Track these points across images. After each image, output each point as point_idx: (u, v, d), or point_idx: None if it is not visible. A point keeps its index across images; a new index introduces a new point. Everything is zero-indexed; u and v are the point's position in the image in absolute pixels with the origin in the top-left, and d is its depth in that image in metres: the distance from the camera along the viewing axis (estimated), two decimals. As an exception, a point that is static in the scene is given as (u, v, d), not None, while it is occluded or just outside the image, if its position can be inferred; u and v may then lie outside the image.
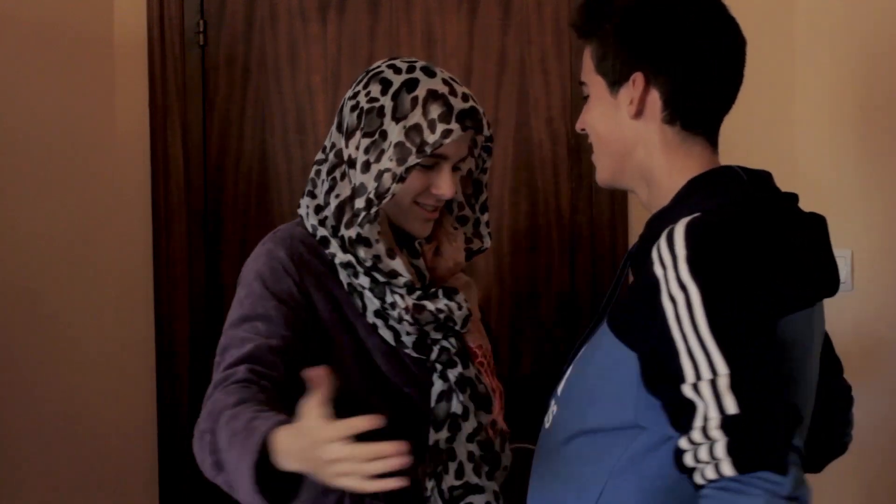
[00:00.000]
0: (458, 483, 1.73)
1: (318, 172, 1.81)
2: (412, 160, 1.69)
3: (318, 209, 1.78)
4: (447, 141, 1.70)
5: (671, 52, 1.51)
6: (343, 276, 1.76)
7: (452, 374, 1.76)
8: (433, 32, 2.69)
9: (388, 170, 1.69)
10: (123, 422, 2.71)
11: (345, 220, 1.73)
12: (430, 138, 1.69)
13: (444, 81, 1.74)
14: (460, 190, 1.88)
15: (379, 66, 1.78)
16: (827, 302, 2.36)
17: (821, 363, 1.62)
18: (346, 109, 1.77)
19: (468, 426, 1.75)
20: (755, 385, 1.31)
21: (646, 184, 1.56)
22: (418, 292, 1.76)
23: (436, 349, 1.77)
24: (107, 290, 2.69)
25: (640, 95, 1.51)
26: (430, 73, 1.75)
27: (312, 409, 1.35)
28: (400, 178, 1.69)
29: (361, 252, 1.72)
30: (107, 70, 2.70)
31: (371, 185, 1.70)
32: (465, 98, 1.74)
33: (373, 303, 1.75)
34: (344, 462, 1.31)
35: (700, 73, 1.51)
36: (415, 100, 1.71)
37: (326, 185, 1.77)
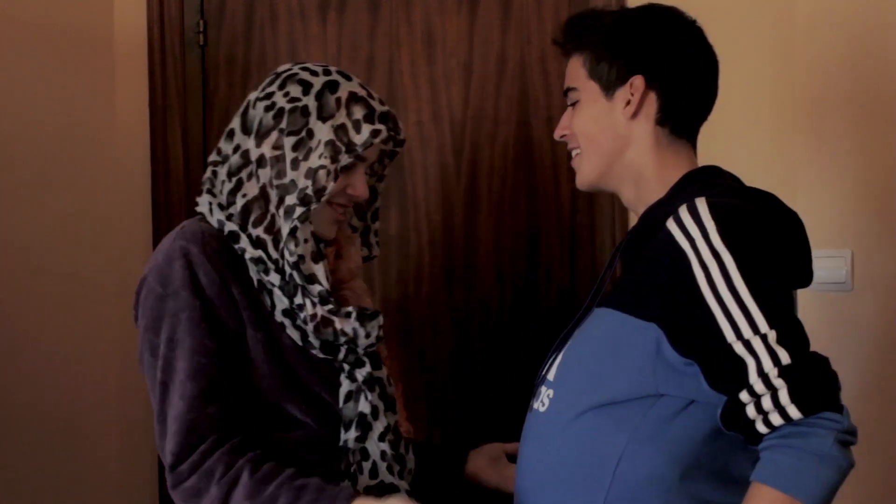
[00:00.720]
0: (373, 483, 1.75)
1: (215, 173, 1.82)
2: (345, 159, 1.74)
3: (221, 207, 1.78)
4: (377, 140, 1.75)
5: (667, 59, 1.65)
6: (253, 272, 1.75)
7: (360, 374, 1.77)
8: (433, 32, 2.69)
9: (322, 167, 1.72)
10: (123, 421, 2.70)
11: (252, 218, 1.74)
12: (358, 138, 1.74)
13: (361, 85, 1.81)
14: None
15: (290, 69, 1.82)
16: (827, 302, 2.37)
17: None
18: (258, 110, 1.78)
19: (378, 425, 1.77)
20: (797, 339, 1.44)
21: (633, 183, 1.67)
22: (330, 305, 1.75)
23: (343, 349, 1.78)
24: (107, 290, 2.69)
25: (640, 96, 1.64)
26: (346, 76, 1.81)
27: None
28: (335, 176, 1.73)
29: (291, 246, 1.73)
30: (107, 70, 2.70)
31: (303, 182, 1.72)
32: (381, 102, 1.81)
33: (281, 301, 1.75)
34: None
35: (691, 81, 1.66)
36: (338, 100, 1.76)
37: (230, 186, 1.78)
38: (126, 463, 2.72)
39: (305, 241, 1.74)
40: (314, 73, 1.79)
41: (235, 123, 1.82)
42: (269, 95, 1.78)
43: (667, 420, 1.51)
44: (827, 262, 2.40)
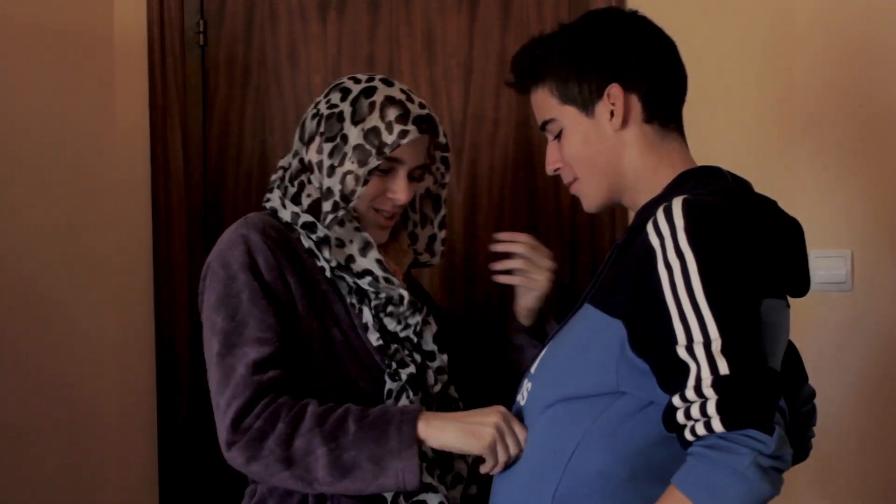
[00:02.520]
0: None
1: (282, 178, 1.88)
2: (373, 162, 1.75)
3: (294, 202, 1.83)
4: (404, 141, 1.76)
5: (633, 56, 1.63)
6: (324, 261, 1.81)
7: (404, 374, 1.79)
8: (433, 32, 2.69)
9: (350, 172, 1.76)
10: (123, 421, 2.71)
11: (320, 218, 1.79)
12: (388, 139, 1.75)
13: (402, 90, 1.83)
14: (417, 198, 1.96)
15: (341, 80, 1.87)
16: (827, 302, 2.36)
17: (790, 369, 1.71)
18: (308, 117, 1.86)
19: None
20: (745, 351, 1.38)
21: (633, 186, 1.65)
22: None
23: (393, 347, 1.81)
24: (107, 290, 2.69)
25: (623, 103, 1.61)
26: (388, 83, 1.83)
27: None
28: (364, 181, 1.75)
29: (326, 253, 1.77)
30: (107, 70, 2.70)
31: (336, 188, 1.77)
32: (421, 106, 1.82)
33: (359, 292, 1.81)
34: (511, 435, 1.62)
35: (660, 69, 1.64)
36: (372, 104, 1.79)
37: (293, 190, 1.84)
38: (126, 462, 2.72)
39: (350, 241, 1.79)
40: (357, 81, 1.84)
41: (297, 133, 1.90)
42: (317, 104, 1.86)
43: (623, 419, 1.50)
44: (827, 262, 2.40)
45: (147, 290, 2.72)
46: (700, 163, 1.69)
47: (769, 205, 1.59)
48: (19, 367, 2.53)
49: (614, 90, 1.61)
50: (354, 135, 1.77)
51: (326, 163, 1.79)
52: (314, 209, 1.81)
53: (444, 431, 1.66)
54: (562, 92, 1.65)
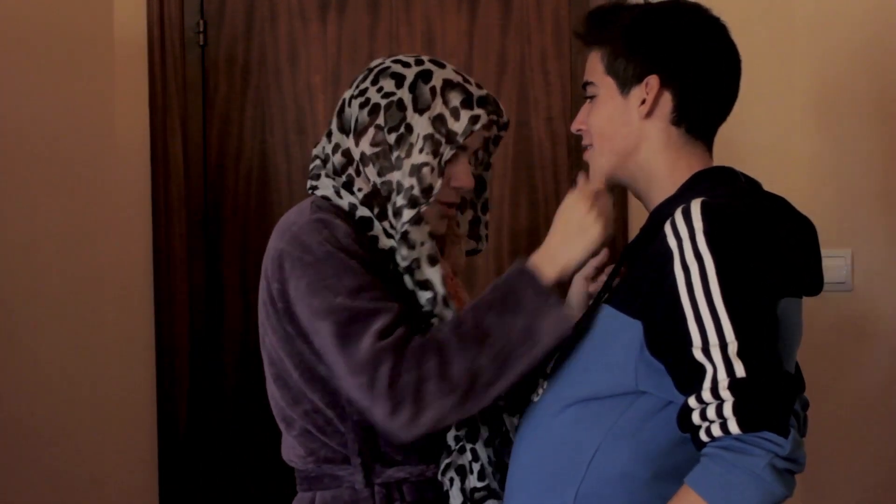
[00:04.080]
0: (480, 485, 1.71)
1: (323, 165, 1.75)
2: (448, 152, 1.66)
3: (349, 191, 1.70)
4: (477, 127, 1.68)
5: (685, 58, 1.61)
6: (396, 257, 1.68)
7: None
8: (433, 32, 2.69)
9: (425, 164, 1.64)
10: (123, 421, 2.70)
11: (375, 212, 1.68)
12: (458, 126, 1.67)
13: (456, 71, 1.73)
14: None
15: (383, 63, 1.73)
16: (827, 302, 2.36)
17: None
18: (354, 107, 1.71)
19: (484, 431, 1.72)
20: (761, 354, 1.39)
21: (645, 180, 1.64)
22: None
23: None
24: (107, 290, 2.69)
25: (654, 96, 1.60)
26: (439, 64, 1.73)
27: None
28: (440, 172, 1.65)
29: (404, 251, 1.66)
30: (107, 70, 2.70)
31: (409, 182, 1.65)
32: (479, 86, 1.73)
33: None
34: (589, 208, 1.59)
35: (709, 81, 1.62)
36: (433, 90, 1.68)
37: (343, 180, 1.72)
38: (126, 462, 2.72)
39: (422, 243, 1.67)
40: (406, 65, 1.71)
41: (333, 124, 1.75)
42: (363, 92, 1.70)
43: (644, 418, 1.50)
44: (827, 262, 2.37)
45: (147, 289, 2.72)
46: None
47: (783, 204, 1.59)
48: (19, 366, 2.54)
49: (652, 80, 1.60)
50: (422, 124, 1.66)
51: (393, 154, 1.66)
52: (367, 204, 1.68)
53: (563, 256, 1.61)
54: (609, 63, 1.64)
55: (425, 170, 1.64)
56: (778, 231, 1.52)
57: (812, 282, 1.60)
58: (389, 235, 1.68)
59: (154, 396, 2.72)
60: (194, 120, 2.73)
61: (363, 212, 1.69)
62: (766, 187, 1.64)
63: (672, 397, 1.47)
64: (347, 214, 1.69)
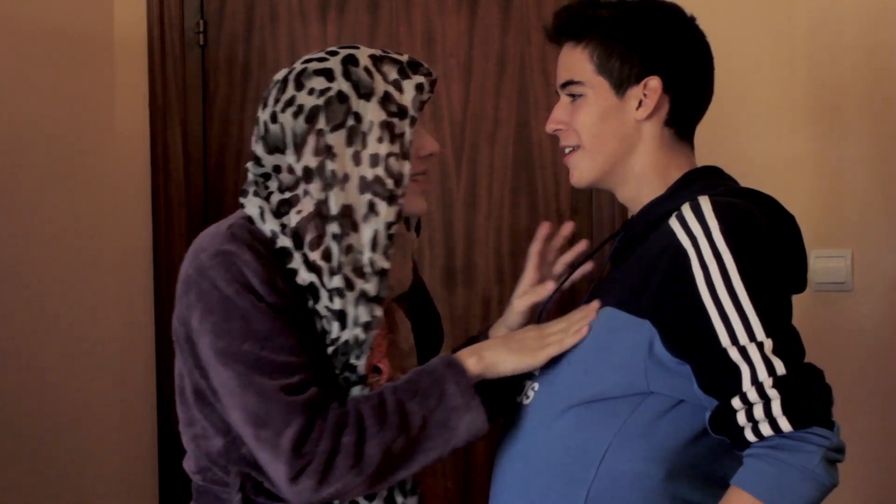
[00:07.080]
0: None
1: (261, 181, 1.62)
2: (408, 131, 1.56)
3: (274, 214, 1.57)
4: (424, 95, 1.59)
5: (682, 60, 1.61)
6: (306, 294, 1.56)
7: (355, 391, 1.60)
8: (433, 32, 2.69)
9: (389, 154, 1.54)
10: (123, 421, 2.71)
11: (308, 239, 1.54)
12: (406, 99, 1.57)
13: (370, 48, 1.62)
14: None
15: (293, 69, 1.61)
16: (827, 302, 2.36)
17: None
18: (285, 120, 1.57)
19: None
20: (795, 349, 1.42)
21: (634, 181, 1.62)
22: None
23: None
24: (107, 290, 2.69)
25: (656, 98, 1.58)
26: (353, 46, 1.62)
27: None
28: (405, 155, 1.55)
29: (375, 283, 1.55)
30: (107, 70, 2.70)
31: (372, 173, 1.54)
32: (399, 53, 1.63)
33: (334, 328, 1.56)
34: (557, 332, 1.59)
35: (701, 83, 1.64)
36: (367, 70, 1.56)
37: (283, 197, 1.58)
38: (126, 462, 2.72)
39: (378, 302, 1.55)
40: (324, 59, 1.58)
41: (259, 149, 1.61)
42: (290, 101, 1.56)
43: (655, 418, 1.49)
44: (827, 262, 2.40)
45: (147, 290, 2.72)
46: (699, 163, 1.69)
47: (774, 202, 1.59)
48: (19, 366, 2.54)
49: (654, 83, 1.57)
50: (371, 109, 1.54)
51: (348, 153, 1.54)
52: (301, 228, 1.54)
53: (496, 361, 1.59)
54: (601, 62, 1.59)
55: (391, 160, 1.54)
56: (779, 229, 1.52)
57: (803, 278, 1.60)
58: (310, 269, 1.54)
59: (154, 396, 2.73)
60: (194, 120, 2.73)
61: (284, 242, 1.55)
62: (767, 187, 1.63)
63: (684, 396, 1.47)
64: (268, 242, 1.55)
